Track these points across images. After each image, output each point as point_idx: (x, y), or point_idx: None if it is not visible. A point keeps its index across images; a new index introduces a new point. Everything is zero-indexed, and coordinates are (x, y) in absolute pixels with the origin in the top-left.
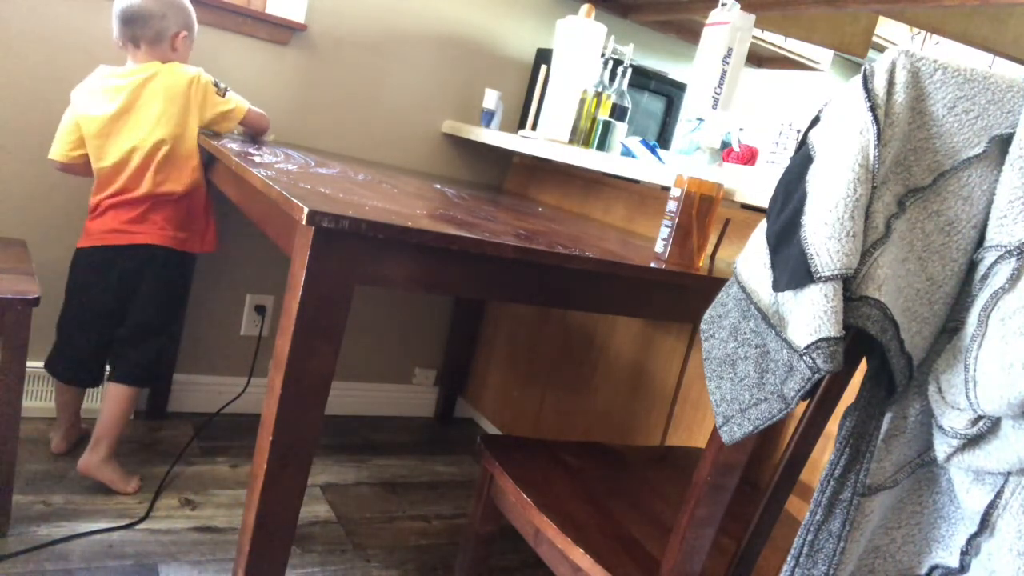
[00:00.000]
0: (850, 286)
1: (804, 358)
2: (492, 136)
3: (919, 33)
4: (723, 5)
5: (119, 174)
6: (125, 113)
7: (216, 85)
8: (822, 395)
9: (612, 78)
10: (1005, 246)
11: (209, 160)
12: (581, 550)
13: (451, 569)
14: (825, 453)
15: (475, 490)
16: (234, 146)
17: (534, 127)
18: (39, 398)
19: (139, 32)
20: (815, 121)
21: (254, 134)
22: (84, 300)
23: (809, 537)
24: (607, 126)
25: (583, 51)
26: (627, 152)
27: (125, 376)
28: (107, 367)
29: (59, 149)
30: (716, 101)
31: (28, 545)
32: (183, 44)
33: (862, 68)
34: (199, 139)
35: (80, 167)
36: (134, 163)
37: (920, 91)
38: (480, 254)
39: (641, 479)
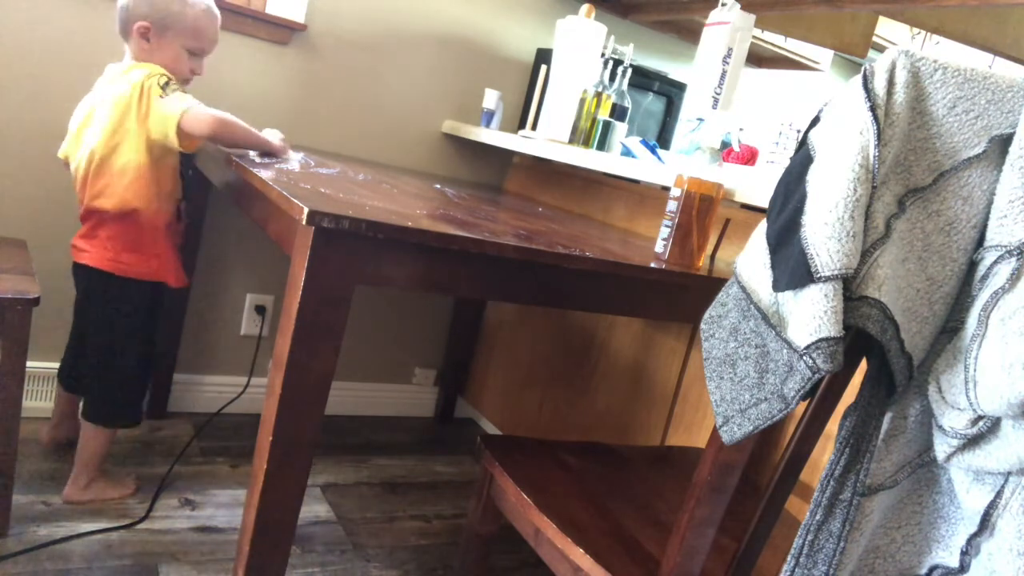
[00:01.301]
0: (850, 286)
1: (804, 358)
2: (492, 136)
3: (919, 33)
4: (723, 5)
5: (76, 181)
6: (90, 115)
7: (166, 85)
8: (822, 395)
9: (612, 78)
10: (1005, 246)
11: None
12: (581, 550)
13: (451, 569)
14: (825, 453)
15: (475, 490)
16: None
17: (534, 127)
18: (39, 398)
19: (120, 25)
20: (815, 121)
21: (227, 145)
22: (75, 309)
23: (809, 537)
24: (607, 126)
25: (583, 51)
26: (627, 152)
27: (89, 413)
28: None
29: (64, 148)
30: (716, 101)
31: (28, 545)
32: (153, 38)
33: (862, 68)
34: (151, 154)
35: None
36: (81, 171)
37: (920, 91)
38: (480, 254)
39: (641, 479)
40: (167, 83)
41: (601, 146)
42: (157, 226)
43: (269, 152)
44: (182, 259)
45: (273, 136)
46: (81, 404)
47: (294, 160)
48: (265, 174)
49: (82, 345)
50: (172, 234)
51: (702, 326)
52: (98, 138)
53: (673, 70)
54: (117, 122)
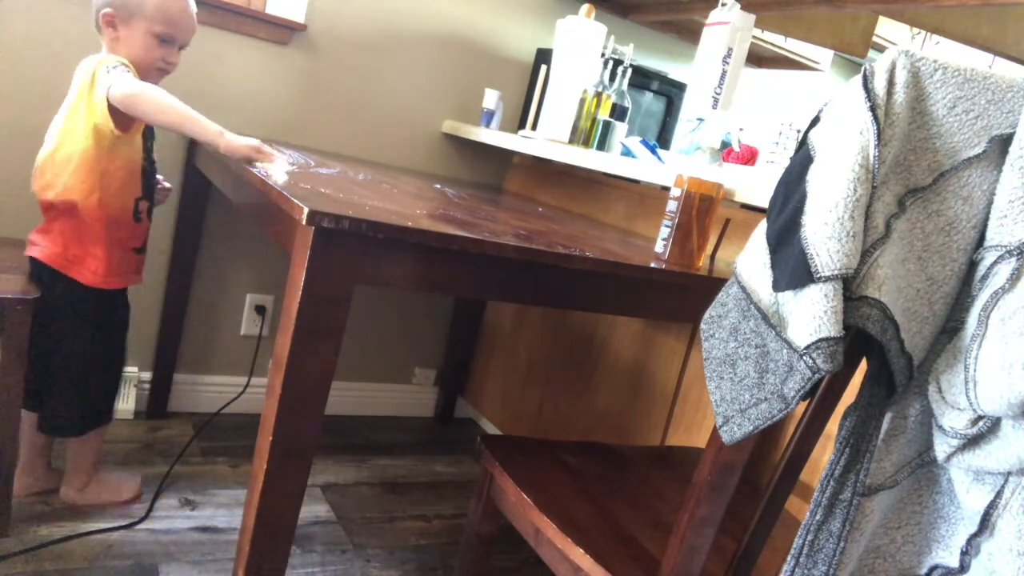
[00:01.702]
0: (850, 286)
1: (804, 358)
2: (492, 136)
3: (919, 33)
4: (723, 5)
5: (32, 177)
6: (63, 107)
7: (114, 68)
8: (822, 395)
9: (612, 78)
10: (1005, 246)
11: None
12: (581, 550)
13: (451, 569)
14: (825, 453)
15: (475, 490)
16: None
17: (534, 127)
18: None
19: (93, 18)
20: (815, 121)
21: (153, 124)
22: None
23: (809, 537)
24: (607, 126)
25: (583, 51)
26: (627, 152)
27: (43, 424)
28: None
29: None
30: (716, 101)
31: (28, 545)
32: (121, 26)
33: (862, 68)
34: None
35: None
36: (39, 161)
37: (920, 91)
38: (480, 254)
39: (641, 479)
40: (116, 67)
41: (601, 146)
42: (97, 220)
43: (236, 154)
44: (140, 261)
45: (247, 141)
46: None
47: (281, 163)
48: (265, 174)
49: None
50: (121, 235)
51: (702, 326)
52: (53, 130)
53: (673, 70)
54: (69, 113)
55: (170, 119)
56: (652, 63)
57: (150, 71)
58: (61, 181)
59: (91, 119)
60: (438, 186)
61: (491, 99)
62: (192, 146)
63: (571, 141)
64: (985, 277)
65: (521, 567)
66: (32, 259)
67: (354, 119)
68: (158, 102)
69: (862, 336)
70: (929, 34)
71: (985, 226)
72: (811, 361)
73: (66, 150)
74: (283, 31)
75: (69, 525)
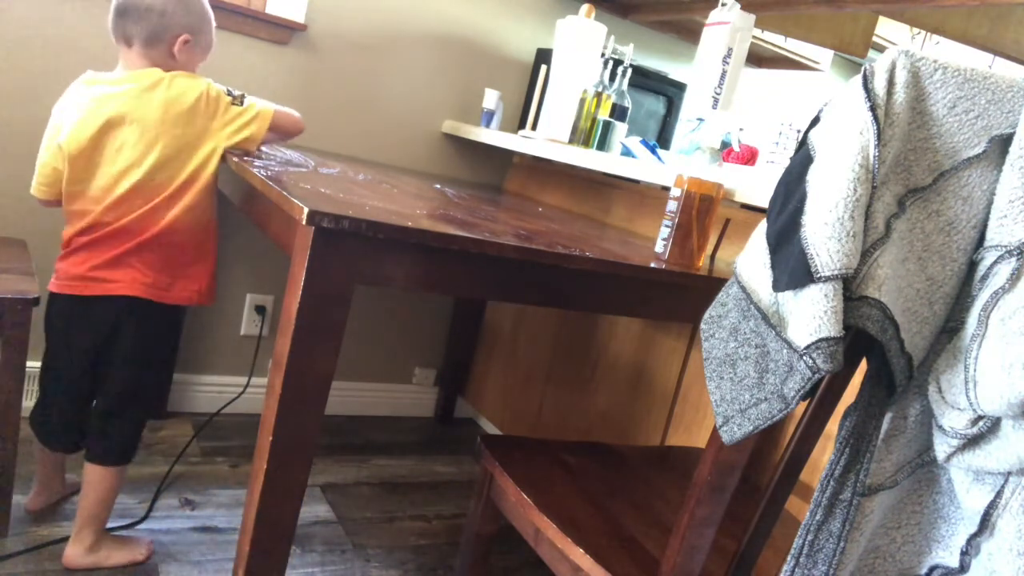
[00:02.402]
0: (850, 286)
1: (804, 358)
2: (492, 136)
3: (919, 33)
4: (723, 5)
5: (99, 203)
6: (115, 128)
7: (230, 94)
8: (822, 395)
9: (612, 78)
10: (1005, 246)
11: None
12: (581, 550)
13: (451, 569)
14: (825, 453)
15: (475, 490)
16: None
17: (534, 127)
18: None
19: (132, 28)
20: (815, 121)
21: (287, 138)
22: (59, 354)
23: (809, 537)
24: (607, 126)
25: (583, 51)
26: (627, 152)
27: (102, 456)
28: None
29: (39, 181)
30: (716, 101)
31: (28, 545)
32: (184, 51)
33: (862, 68)
34: (218, 165)
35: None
36: (119, 191)
37: (920, 91)
38: (480, 254)
39: (641, 479)
40: (229, 90)
41: (601, 146)
42: (204, 244)
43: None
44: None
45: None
46: (87, 448)
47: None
48: (265, 174)
49: (84, 388)
50: (209, 252)
51: (702, 326)
52: (158, 152)
53: (673, 70)
54: (181, 135)
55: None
56: (652, 63)
57: None
58: (177, 210)
59: (207, 145)
60: (438, 186)
61: (491, 99)
62: None
63: (571, 141)
64: (985, 277)
65: (521, 567)
66: (115, 296)
67: (354, 119)
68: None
69: (862, 336)
70: (929, 34)
71: (985, 226)
72: (811, 361)
73: (179, 177)
74: (283, 31)
75: (69, 525)
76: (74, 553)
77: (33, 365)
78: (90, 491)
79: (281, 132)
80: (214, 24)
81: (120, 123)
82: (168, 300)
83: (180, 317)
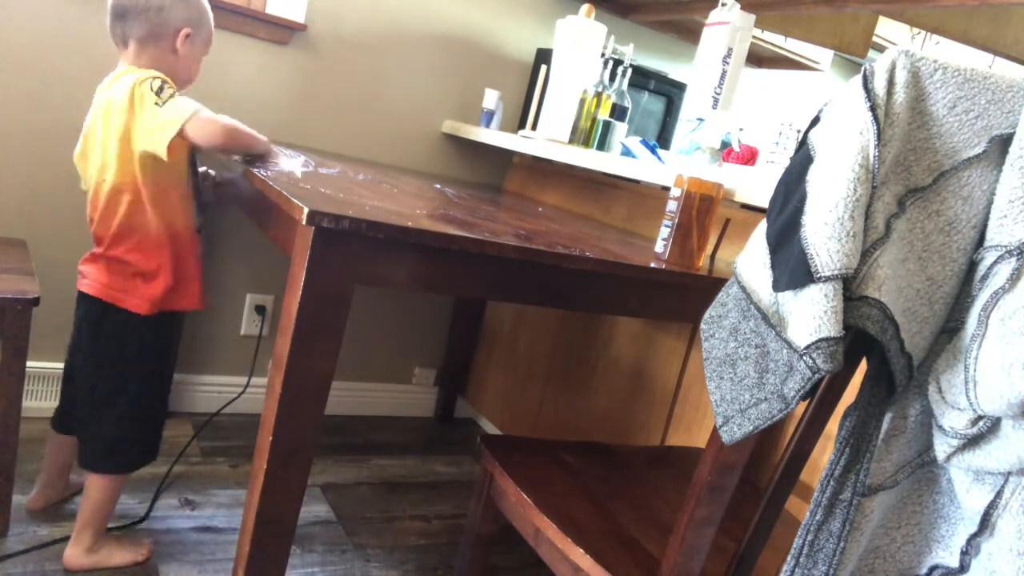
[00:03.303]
0: (850, 286)
1: (804, 358)
2: (492, 136)
3: (919, 33)
4: (723, 5)
5: (90, 203)
6: (93, 130)
7: (160, 90)
8: (822, 395)
9: (612, 78)
10: (1005, 246)
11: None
12: (581, 550)
13: (451, 569)
14: (825, 453)
15: (475, 490)
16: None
17: (534, 127)
18: (39, 398)
19: (128, 28)
20: (815, 121)
21: (235, 155)
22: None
23: (809, 537)
24: (607, 126)
25: (583, 51)
26: (627, 152)
27: (86, 460)
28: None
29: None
30: (716, 101)
31: (28, 545)
32: (186, 45)
33: (862, 68)
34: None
35: None
36: (91, 192)
37: (920, 91)
38: (480, 254)
39: (641, 479)
40: (162, 87)
41: (601, 146)
42: (177, 249)
43: (264, 156)
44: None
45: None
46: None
47: (293, 162)
48: (265, 174)
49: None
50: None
51: (702, 326)
52: (111, 153)
53: (673, 70)
54: (122, 132)
55: (245, 149)
56: (652, 63)
57: (187, 88)
58: (127, 212)
59: (139, 144)
60: (438, 186)
61: (491, 99)
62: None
63: (571, 141)
64: (985, 277)
65: (521, 567)
66: (82, 294)
67: (354, 119)
68: (238, 139)
69: (862, 336)
70: (929, 34)
71: (985, 226)
72: (811, 361)
73: (126, 177)
74: (283, 31)
75: (69, 525)
76: (74, 553)
77: (33, 365)
78: (86, 497)
79: (223, 148)
80: (212, 17)
81: (96, 125)
82: (124, 304)
83: (153, 327)
